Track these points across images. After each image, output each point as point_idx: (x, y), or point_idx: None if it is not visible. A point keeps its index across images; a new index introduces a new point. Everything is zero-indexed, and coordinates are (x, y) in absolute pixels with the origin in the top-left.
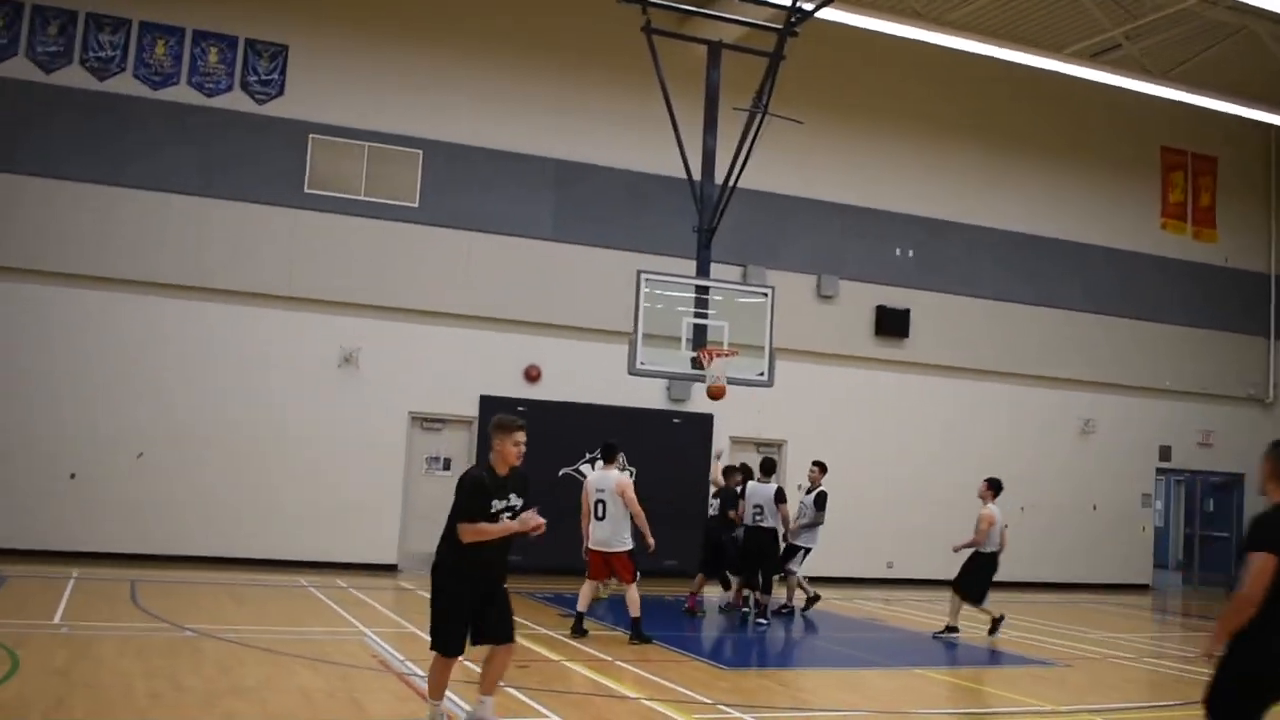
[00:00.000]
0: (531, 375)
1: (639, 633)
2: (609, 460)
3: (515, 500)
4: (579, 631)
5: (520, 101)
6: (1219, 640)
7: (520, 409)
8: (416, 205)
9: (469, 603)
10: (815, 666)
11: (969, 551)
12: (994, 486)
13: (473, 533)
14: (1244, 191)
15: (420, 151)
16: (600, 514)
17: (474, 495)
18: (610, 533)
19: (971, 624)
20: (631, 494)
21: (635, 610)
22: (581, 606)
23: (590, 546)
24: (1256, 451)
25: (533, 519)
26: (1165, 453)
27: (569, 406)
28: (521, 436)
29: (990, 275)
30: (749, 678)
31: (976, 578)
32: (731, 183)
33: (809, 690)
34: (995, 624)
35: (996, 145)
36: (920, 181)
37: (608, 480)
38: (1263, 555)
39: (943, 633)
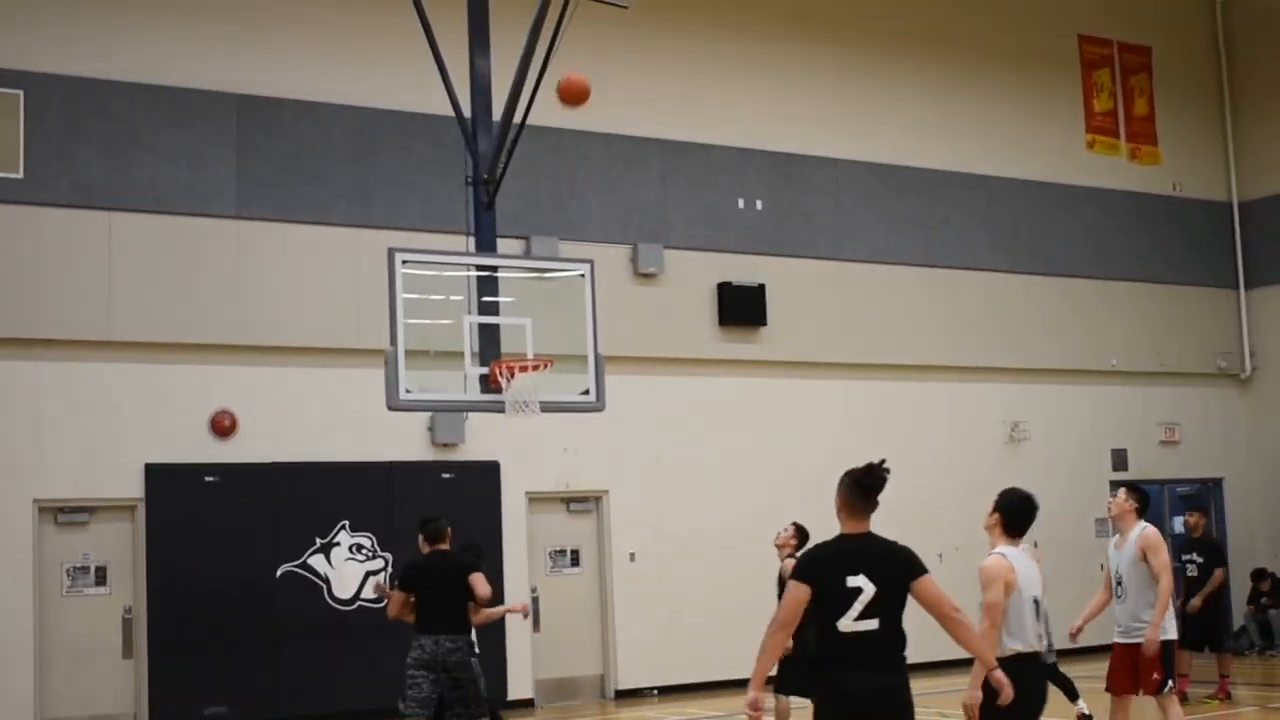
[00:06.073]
0: (222, 426)
1: None
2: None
3: None
4: None
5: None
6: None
7: (210, 480)
8: (20, 175)
9: None
10: None
11: None
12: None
13: None
14: (1189, 93)
15: (20, 92)
16: None
17: None
18: None
19: None
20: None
21: None
22: None
23: None
24: (1236, 448)
25: None
26: (1119, 459)
27: (283, 470)
28: None
29: (867, 227)
30: None
31: None
32: (520, 115)
33: None
34: None
35: (868, 51)
36: (768, 102)
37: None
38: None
39: None
